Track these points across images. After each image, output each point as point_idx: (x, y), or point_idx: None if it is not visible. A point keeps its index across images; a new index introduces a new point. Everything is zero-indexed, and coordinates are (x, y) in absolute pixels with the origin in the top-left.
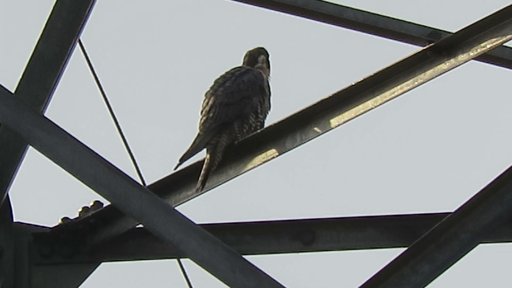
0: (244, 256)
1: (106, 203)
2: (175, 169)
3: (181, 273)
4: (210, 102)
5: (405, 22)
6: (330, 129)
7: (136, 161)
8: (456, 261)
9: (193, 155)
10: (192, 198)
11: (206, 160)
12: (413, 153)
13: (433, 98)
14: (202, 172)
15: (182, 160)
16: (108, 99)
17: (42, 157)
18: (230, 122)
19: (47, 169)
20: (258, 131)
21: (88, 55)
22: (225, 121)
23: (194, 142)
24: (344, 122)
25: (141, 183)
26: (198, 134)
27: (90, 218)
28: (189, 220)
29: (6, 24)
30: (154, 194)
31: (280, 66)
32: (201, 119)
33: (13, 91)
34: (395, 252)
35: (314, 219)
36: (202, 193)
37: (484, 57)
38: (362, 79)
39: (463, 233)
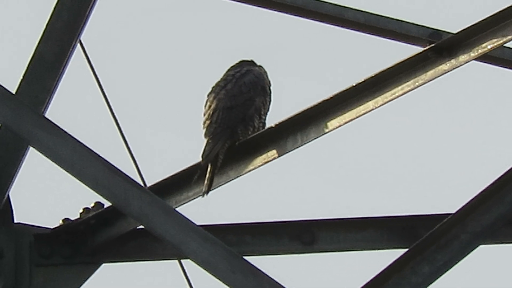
0: (244, 257)
1: (106, 204)
2: (205, 194)
3: (182, 273)
4: (213, 106)
5: (406, 22)
6: (331, 130)
7: (137, 162)
8: (456, 262)
9: (207, 165)
10: (192, 199)
11: (209, 164)
12: (414, 153)
13: (434, 99)
14: (208, 175)
15: (201, 175)
16: (109, 100)
17: (43, 158)
18: (235, 125)
19: (48, 170)
20: (259, 132)
21: (88, 55)
22: (230, 124)
23: (204, 152)
24: (345, 123)
25: (141, 184)
26: (207, 142)
27: (90, 219)
28: (190, 221)
29: (6, 24)
30: (154, 195)
31: (281, 66)
32: (204, 123)
33: (13, 92)
34: (396, 253)
35: (314, 220)
36: (203, 195)
37: (485, 58)
38: (363, 79)
39: (464, 234)
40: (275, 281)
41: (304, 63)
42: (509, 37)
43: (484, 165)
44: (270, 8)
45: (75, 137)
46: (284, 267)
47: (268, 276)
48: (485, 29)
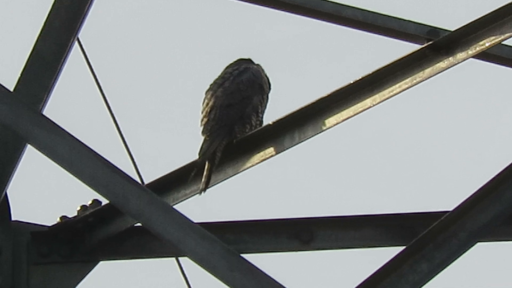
0: (242, 255)
1: (104, 201)
2: (202, 192)
3: (180, 272)
4: (210, 103)
5: (403, 20)
6: (328, 128)
7: (135, 160)
8: (454, 260)
9: (204, 162)
10: (190, 197)
11: (207, 162)
12: (411, 151)
13: (432, 97)
14: (205, 173)
15: (198, 172)
16: (107, 98)
17: (41, 155)
18: (233, 123)
19: (46, 168)
20: (257, 129)
21: (86, 53)
22: (227, 122)
23: (201, 149)
24: (343, 121)
25: (139, 181)
26: (205, 140)
27: (88, 217)
28: (188, 218)
29: (5, 22)
30: (152, 192)
31: (278, 64)
32: (201, 120)
33: (11, 90)
34: (394, 251)
35: (312, 218)
36: (200, 192)
37: (482, 56)
38: (360, 77)
39: (462, 232)
40: (273, 279)
41: (302, 60)
42: (507, 35)
43: (481, 163)
44: (268, 5)
45: (73, 135)
46: (282, 265)
47: (266, 274)
48: (483, 27)
